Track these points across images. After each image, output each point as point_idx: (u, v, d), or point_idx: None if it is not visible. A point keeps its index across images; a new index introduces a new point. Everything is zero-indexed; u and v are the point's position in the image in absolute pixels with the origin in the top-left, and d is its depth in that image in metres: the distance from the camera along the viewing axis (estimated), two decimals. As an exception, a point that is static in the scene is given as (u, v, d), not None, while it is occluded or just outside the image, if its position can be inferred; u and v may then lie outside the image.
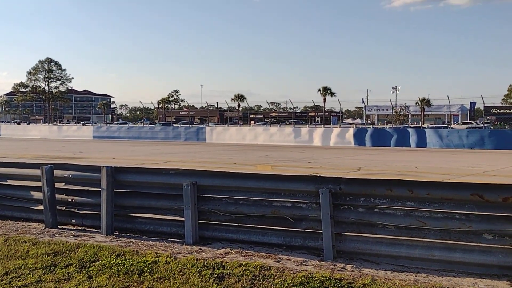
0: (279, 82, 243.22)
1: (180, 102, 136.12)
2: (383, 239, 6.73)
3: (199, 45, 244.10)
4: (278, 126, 56.71)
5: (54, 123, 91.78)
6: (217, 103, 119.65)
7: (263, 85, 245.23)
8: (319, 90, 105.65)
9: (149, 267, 6.31)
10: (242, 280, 5.82)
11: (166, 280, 5.86)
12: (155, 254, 6.89)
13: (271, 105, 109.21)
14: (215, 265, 6.34)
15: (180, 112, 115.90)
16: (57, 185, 8.88)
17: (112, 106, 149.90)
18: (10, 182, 9.69)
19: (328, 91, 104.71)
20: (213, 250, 7.29)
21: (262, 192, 7.56)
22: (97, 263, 6.51)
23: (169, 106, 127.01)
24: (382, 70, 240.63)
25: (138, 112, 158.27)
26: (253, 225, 7.60)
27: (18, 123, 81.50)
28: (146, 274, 6.09)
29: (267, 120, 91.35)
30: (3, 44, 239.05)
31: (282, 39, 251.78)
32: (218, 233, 7.81)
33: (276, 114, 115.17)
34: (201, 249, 7.34)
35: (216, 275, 5.99)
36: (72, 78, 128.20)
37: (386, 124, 77.57)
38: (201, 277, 5.94)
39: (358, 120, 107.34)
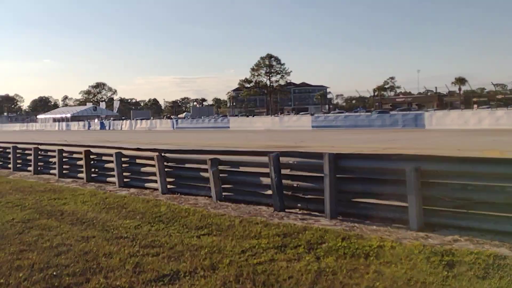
0: (506, 62, 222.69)
1: (396, 88, 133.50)
2: None
3: (414, 31, 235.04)
4: (506, 109, 52.01)
5: (276, 114, 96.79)
6: (436, 87, 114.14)
7: (485, 66, 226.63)
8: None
9: (375, 251, 6.35)
10: (475, 269, 5.52)
11: (393, 265, 5.83)
12: (379, 238, 6.91)
13: (496, 87, 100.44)
14: (444, 252, 6.13)
15: (396, 99, 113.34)
16: (283, 171, 9.40)
17: (328, 96, 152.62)
18: (241, 169, 10.52)
19: None
20: (440, 237, 7.05)
21: (493, 177, 7.06)
22: (323, 245, 6.75)
23: (384, 93, 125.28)
24: None
25: (353, 101, 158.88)
26: (483, 212, 7.15)
27: (247, 116, 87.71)
28: (372, 257, 6.14)
29: (492, 103, 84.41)
30: (230, 43, 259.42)
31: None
32: (444, 219, 7.51)
33: (503, 96, 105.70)
34: (427, 235, 7.15)
35: (445, 262, 5.78)
36: (291, 71, 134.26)
37: None
38: (429, 263, 5.79)
39: None
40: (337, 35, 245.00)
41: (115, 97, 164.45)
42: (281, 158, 9.40)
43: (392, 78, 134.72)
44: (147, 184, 12.62)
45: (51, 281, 5.75)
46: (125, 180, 13.31)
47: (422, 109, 73.45)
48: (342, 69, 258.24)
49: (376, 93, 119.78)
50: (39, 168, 17.30)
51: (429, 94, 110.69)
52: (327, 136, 35.49)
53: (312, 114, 71.09)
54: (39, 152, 17.51)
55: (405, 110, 71.18)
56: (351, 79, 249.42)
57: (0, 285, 5.66)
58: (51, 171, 16.57)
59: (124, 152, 13.61)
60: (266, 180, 9.71)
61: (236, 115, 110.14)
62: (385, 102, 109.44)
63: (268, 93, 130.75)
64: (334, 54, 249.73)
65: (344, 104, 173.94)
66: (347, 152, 11.75)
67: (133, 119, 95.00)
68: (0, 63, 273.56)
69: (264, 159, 9.56)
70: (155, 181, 12.09)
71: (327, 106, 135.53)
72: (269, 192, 9.59)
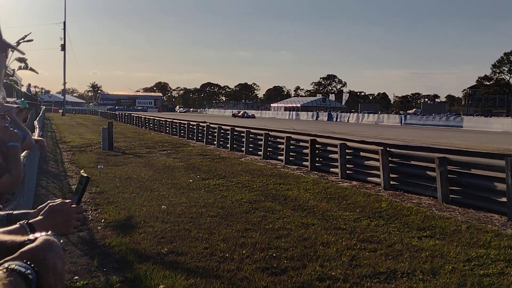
0: None
1: None
2: None
3: None
4: None
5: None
6: None
7: None
8: None
9: None
10: None
11: None
12: None
13: None
14: None
15: None
16: (522, 178, 8.43)
17: None
18: (473, 171, 9.73)
19: None
20: None
21: None
22: None
23: None
24: None
25: None
26: None
27: (484, 116, 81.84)
28: None
29: None
30: (469, 37, 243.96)
31: None
32: None
33: None
34: None
35: None
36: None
37: None
38: None
39: None
40: None
41: (345, 89, 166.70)
42: (519, 163, 8.45)
43: None
44: (369, 178, 12.46)
45: (271, 262, 5.97)
46: (347, 172, 13.33)
47: None
48: None
49: None
50: (268, 153, 18.29)
51: None
52: None
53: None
54: (269, 138, 18.50)
55: None
56: None
57: (225, 259, 6.07)
58: (279, 157, 17.39)
59: (349, 144, 13.63)
60: (500, 186, 8.82)
61: (471, 114, 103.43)
62: None
63: (510, 92, 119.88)
64: None
65: None
66: None
67: (360, 112, 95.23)
68: (241, 53, 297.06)
69: (500, 162, 8.70)
70: (378, 176, 11.87)
71: None
72: (504, 199, 8.70)
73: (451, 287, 5.21)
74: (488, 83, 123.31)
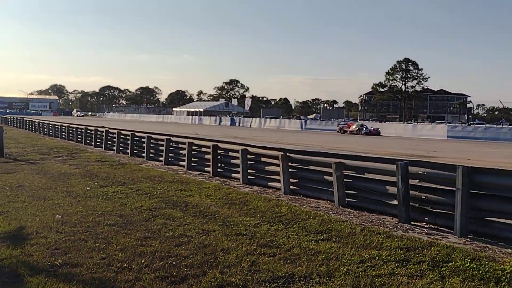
0: None
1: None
2: None
3: None
4: None
5: (409, 121, 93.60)
6: None
7: None
8: None
9: (508, 276, 5.78)
10: None
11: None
12: (515, 264, 6.27)
13: None
14: None
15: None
16: (411, 182, 8.92)
17: (468, 105, 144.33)
18: (367, 175, 10.16)
19: None
20: None
21: None
22: (450, 264, 6.27)
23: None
24: None
25: (496, 113, 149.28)
26: None
27: (378, 121, 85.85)
28: (504, 283, 5.60)
29: None
30: (366, 45, 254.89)
31: None
32: None
33: None
34: None
35: None
36: (428, 77, 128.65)
37: None
38: None
39: None
40: (483, 40, 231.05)
41: (247, 94, 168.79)
42: (409, 168, 8.93)
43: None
44: (270, 183, 12.67)
45: (170, 270, 5.89)
46: (249, 177, 13.47)
47: None
48: (485, 77, 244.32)
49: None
50: (169, 159, 18.10)
51: None
52: (463, 147, 33.65)
53: (448, 123, 67.72)
54: (171, 144, 18.32)
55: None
56: (495, 89, 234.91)
57: (123, 269, 5.91)
58: (181, 163, 17.26)
59: (250, 149, 13.79)
60: (392, 189, 9.28)
61: (367, 120, 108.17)
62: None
63: (402, 98, 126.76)
64: (478, 61, 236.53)
65: (485, 115, 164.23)
66: (484, 166, 10.95)
67: (263, 117, 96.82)
68: (142, 56, 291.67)
69: (392, 167, 9.14)
70: (279, 181, 12.10)
71: (466, 116, 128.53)
72: (395, 202, 9.16)
73: (346, 288, 5.39)
74: (382, 90, 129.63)
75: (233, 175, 14.26)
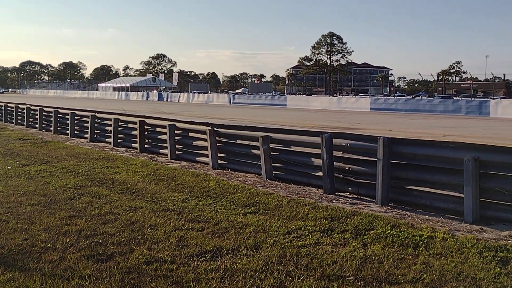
0: None
1: (461, 74, 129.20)
2: None
3: (485, 9, 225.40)
4: None
5: (334, 95, 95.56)
6: (504, 74, 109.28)
7: None
8: None
9: (425, 241, 6.10)
10: (531, 268, 5.20)
11: (443, 257, 5.57)
12: (431, 229, 6.64)
13: None
14: (498, 247, 5.83)
15: (461, 85, 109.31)
16: (335, 153, 9.18)
17: (390, 78, 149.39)
18: (293, 148, 10.36)
19: None
20: (496, 231, 6.71)
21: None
22: (371, 231, 6.54)
23: (449, 78, 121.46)
24: None
25: (416, 85, 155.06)
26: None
27: (305, 94, 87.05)
28: (421, 248, 5.90)
29: None
30: (291, 20, 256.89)
31: None
32: (502, 213, 7.15)
33: None
34: (482, 229, 6.81)
35: (499, 258, 5.49)
36: (352, 51, 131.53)
37: None
38: (481, 258, 5.51)
39: None
40: (403, 14, 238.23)
41: (175, 69, 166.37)
42: (334, 140, 9.17)
43: (458, 62, 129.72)
44: (198, 158, 12.66)
45: (96, 249, 5.81)
46: (177, 152, 13.40)
47: (488, 97, 70.25)
48: (406, 51, 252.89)
49: (440, 78, 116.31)
50: (95, 136, 17.69)
51: (496, 81, 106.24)
52: (385, 119, 34.75)
53: (371, 96, 69.68)
54: (96, 120, 17.88)
55: (470, 96, 68.32)
56: (415, 62, 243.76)
57: (47, 249, 5.77)
58: (107, 140, 16.91)
59: (178, 124, 13.69)
60: (317, 161, 9.51)
61: (294, 93, 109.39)
62: (449, 88, 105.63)
63: (327, 72, 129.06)
64: (399, 35, 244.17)
65: (406, 87, 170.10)
66: (403, 137, 11.41)
67: (191, 92, 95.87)
68: (64, 30, 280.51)
69: (317, 139, 9.35)
70: (207, 156, 12.11)
71: (388, 88, 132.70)
72: (320, 173, 9.40)
73: (272, 259, 5.52)
74: (308, 64, 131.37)
75: (161, 151, 14.13)
